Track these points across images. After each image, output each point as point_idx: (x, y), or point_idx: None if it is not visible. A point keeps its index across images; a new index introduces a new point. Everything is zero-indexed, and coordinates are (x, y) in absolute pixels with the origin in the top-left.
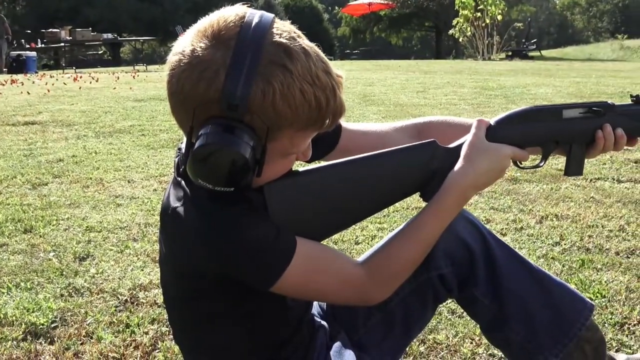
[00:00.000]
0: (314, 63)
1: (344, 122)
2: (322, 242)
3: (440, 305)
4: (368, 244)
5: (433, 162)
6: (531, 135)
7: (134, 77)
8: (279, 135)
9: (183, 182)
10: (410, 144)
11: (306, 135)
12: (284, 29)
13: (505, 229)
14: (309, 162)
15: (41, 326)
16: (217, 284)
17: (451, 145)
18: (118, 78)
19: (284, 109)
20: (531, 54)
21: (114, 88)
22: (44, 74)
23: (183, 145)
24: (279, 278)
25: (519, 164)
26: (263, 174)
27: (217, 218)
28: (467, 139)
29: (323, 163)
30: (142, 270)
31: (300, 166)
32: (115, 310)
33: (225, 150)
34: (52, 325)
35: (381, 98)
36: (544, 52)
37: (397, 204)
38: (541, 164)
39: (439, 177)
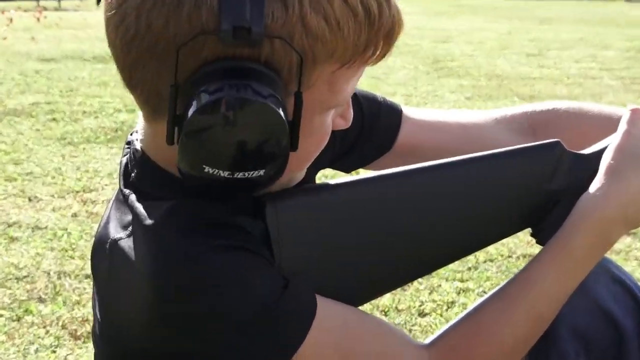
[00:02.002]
0: None
1: (405, 107)
2: (360, 307)
3: None
4: (441, 315)
5: (555, 178)
6: None
7: (38, 19)
8: (313, 77)
9: (133, 198)
10: (517, 147)
11: (349, 76)
12: None
13: None
14: (346, 171)
15: None
16: None
17: (586, 151)
18: (11, 21)
19: (319, 25)
20: None
21: (4, 38)
22: None
23: (137, 135)
24: None
25: None
26: (294, 155)
27: (186, 259)
28: (613, 140)
29: (366, 173)
30: (54, 352)
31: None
32: None
33: (246, 109)
34: None
35: (464, 65)
36: None
37: (490, 248)
38: None
39: (564, 204)
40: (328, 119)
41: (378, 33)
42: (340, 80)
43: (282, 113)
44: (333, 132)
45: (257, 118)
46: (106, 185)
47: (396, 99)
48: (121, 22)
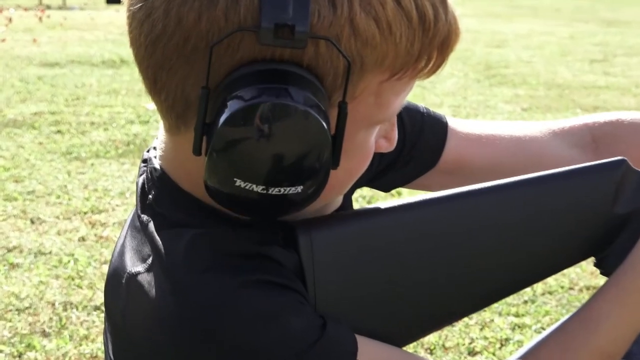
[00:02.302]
0: None
1: (451, 119)
2: (404, 348)
3: None
4: (493, 353)
5: (620, 200)
6: None
7: (40, 19)
8: (360, 86)
9: (152, 227)
10: (577, 166)
11: (398, 89)
12: None
13: None
14: (386, 190)
15: None
16: None
17: None
18: (10, 20)
19: (369, 28)
20: None
21: (3, 40)
22: None
23: (155, 152)
24: None
25: None
26: (333, 175)
27: (210, 301)
28: None
29: (408, 198)
30: None
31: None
32: None
33: (285, 118)
34: None
35: (521, 72)
36: None
37: (549, 279)
38: None
39: (630, 229)
40: (372, 137)
41: (433, 41)
42: (388, 92)
43: (324, 124)
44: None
45: (298, 128)
46: (117, 205)
47: (443, 111)
48: (147, 17)
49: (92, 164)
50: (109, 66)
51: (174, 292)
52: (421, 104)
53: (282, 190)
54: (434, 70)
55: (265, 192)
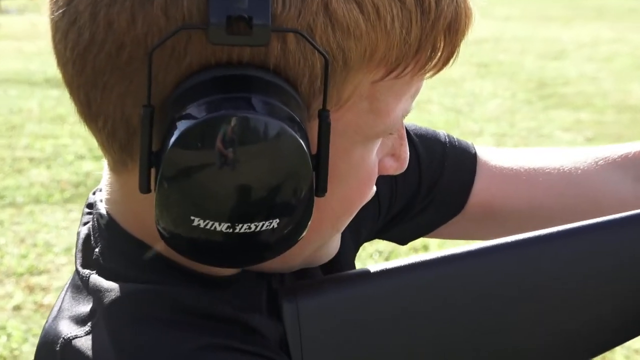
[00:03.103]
0: None
1: (481, 148)
2: None
3: None
4: None
5: None
6: None
7: None
8: (347, 89)
9: (95, 280)
10: None
11: (399, 90)
12: None
13: None
14: (401, 243)
15: None
16: None
17: None
18: None
19: (350, 14)
20: None
21: None
22: None
23: (101, 194)
24: None
25: None
26: (323, 205)
27: None
28: None
29: (430, 254)
30: None
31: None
32: None
33: (249, 136)
34: None
35: (583, 91)
36: None
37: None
38: None
39: None
40: (372, 155)
41: (436, 25)
42: (386, 95)
43: (301, 141)
44: (377, 190)
45: (265, 148)
46: (62, 264)
47: (484, 141)
48: (72, 25)
49: (31, 212)
50: (54, 85)
51: (119, 355)
52: (454, 132)
53: (252, 227)
54: (443, 63)
55: (230, 230)
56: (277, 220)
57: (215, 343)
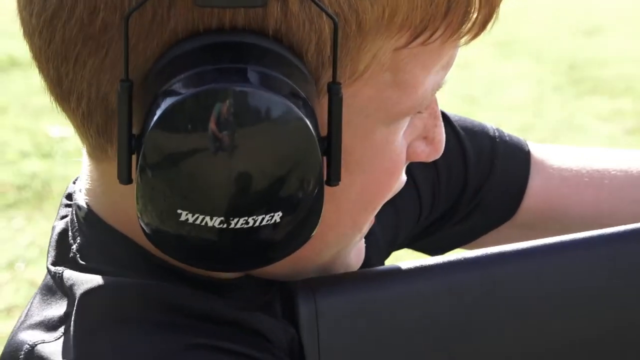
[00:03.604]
0: None
1: (536, 146)
2: None
3: None
4: None
5: None
6: None
7: None
8: (363, 58)
9: (70, 276)
10: None
11: (427, 59)
12: None
13: None
14: (438, 253)
15: None
16: None
17: None
18: None
19: None
20: None
21: None
22: None
23: (81, 184)
24: None
25: None
26: (338, 197)
27: None
28: None
29: (467, 253)
30: None
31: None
32: None
33: (246, 114)
34: None
35: (625, 74)
36: None
37: None
38: None
39: None
40: (398, 137)
41: None
42: (412, 64)
43: (307, 120)
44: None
45: (265, 129)
46: (3, 283)
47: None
48: None
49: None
50: None
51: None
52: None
53: (250, 221)
54: (480, 27)
55: (225, 226)
56: (280, 214)
57: (204, 343)
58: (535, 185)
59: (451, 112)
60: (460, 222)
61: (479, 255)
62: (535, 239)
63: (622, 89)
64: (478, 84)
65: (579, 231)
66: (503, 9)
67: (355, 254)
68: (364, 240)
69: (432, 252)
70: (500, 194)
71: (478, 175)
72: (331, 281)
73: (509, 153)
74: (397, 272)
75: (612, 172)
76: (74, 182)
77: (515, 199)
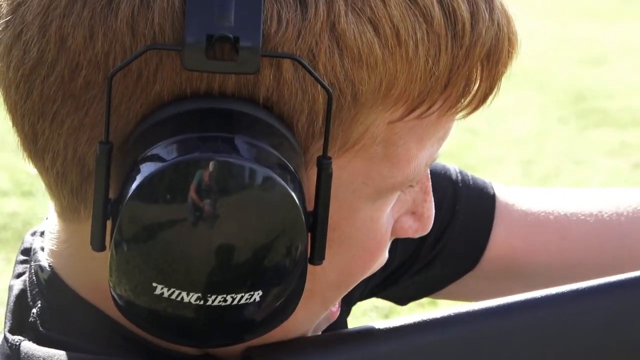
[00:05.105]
0: None
1: (501, 188)
2: None
3: None
4: None
5: None
6: None
7: None
8: (356, 130)
9: (28, 347)
10: None
11: (423, 132)
12: None
13: None
14: (401, 303)
15: None
16: None
17: None
18: None
19: (362, 37)
20: None
21: None
22: None
23: (41, 241)
24: None
25: None
26: (317, 275)
27: None
28: None
29: (439, 312)
30: None
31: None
32: None
33: (231, 185)
34: None
35: (631, 106)
36: None
37: None
38: None
39: None
40: (384, 214)
41: (471, 53)
42: (405, 138)
43: (293, 194)
44: None
45: (249, 203)
46: None
47: (506, 169)
48: (16, 38)
49: None
50: None
51: None
52: (470, 157)
53: (229, 299)
54: (479, 101)
55: (201, 303)
56: (260, 293)
57: None
58: (499, 232)
59: (450, 143)
60: (420, 272)
61: (457, 314)
62: (500, 292)
63: (628, 121)
64: (479, 116)
65: (546, 284)
66: None
67: (323, 322)
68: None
69: (398, 302)
70: (462, 243)
71: (437, 224)
72: (291, 347)
73: (472, 198)
74: (363, 334)
75: (582, 217)
76: (32, 234)
77: (478, 248)
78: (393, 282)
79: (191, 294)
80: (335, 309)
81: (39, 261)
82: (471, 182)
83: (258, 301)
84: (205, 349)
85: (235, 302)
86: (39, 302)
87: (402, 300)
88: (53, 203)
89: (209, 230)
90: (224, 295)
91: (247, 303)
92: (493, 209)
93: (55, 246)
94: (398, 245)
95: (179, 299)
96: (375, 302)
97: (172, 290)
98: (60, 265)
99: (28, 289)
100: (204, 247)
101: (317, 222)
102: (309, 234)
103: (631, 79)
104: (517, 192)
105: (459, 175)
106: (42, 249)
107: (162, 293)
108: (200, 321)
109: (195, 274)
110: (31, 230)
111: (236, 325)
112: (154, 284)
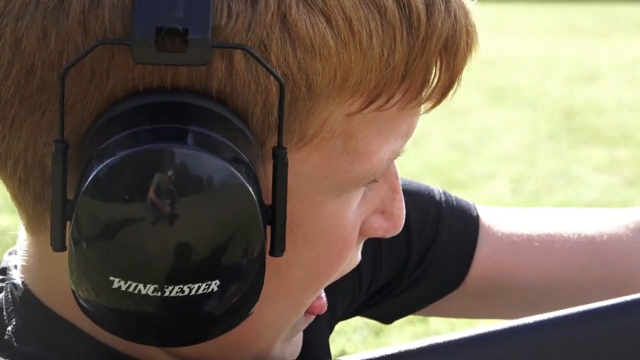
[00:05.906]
0: None
1: (484, 209)
2: None
3: None
4: None
5: None
6: None
7: None
8: (313, 122)
9: None
10: None
11: (383, 125)
12: None
13: None
14: (386, 321)
15: None
16: None
17: None
18: None
19: (314, 28)
20: None
21: None
22: None
23: (15, 259)
24: None
25: None
26: (282, 272)
27: None
28: None
29: (429, 340)
30: None
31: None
32: None
33: (184, 179)
34: None
35: (622, 123)
36: None
37: None
38: None
39: None
40: (350, 210)
41: (427, 44)
42: (366, 131)
43: (249, 187)
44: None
45: (206, 194)
46: None
47: (496, 186)
48: None
49: None
50: None
51: None
52: (460, 174)
53: (186, 289)
54: (441, 94)
55: (159, 294)
56: (217, 282)
57: None
58: (483, 252)
59: (440, 160)
60: (405, 292)
61: (454, 340)
62: (485, 309)
63: (619, 138)
64: (470, 133)
65: (530, 301)
66: (497, 56)
67: (290, 351)
68: (301, 334)
69: (381, 320)
70: (446, 262)
71: (422, 243)
72: None
73: (455, 218)
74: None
75: (565, 236)
76: (10, 254)
77: (463, 267)
78: (378, 301)
79: (148, 286)
80: (323, 301)
81: (13, 279)
82: (455, 203)
83: (216, 291)
84: (170, 348)
85: (193, 292)
86: (14, 319)
87: (386, 318)
88: (21, 217)
89: (163, 222)
90: (181, 286)
91: (205, 294)
92: (477, 229)
93: (26, 262)
94: (382, 264)
95: (136, 291)
96: (366, 319)
97: (129, 282)
98: (31, 280)
99: (4, 307)
100: (159, 239)
101: (275, 213)
102: (268, 227)
103: (621, 95)
104: (500, 212)
105: (442, 196)
106: (16, 266)
107: (120, 287)
108: (160, 315)
109: (151, 265)
110: (9, 250)
111: (197, 319)
112: (111, 278)
